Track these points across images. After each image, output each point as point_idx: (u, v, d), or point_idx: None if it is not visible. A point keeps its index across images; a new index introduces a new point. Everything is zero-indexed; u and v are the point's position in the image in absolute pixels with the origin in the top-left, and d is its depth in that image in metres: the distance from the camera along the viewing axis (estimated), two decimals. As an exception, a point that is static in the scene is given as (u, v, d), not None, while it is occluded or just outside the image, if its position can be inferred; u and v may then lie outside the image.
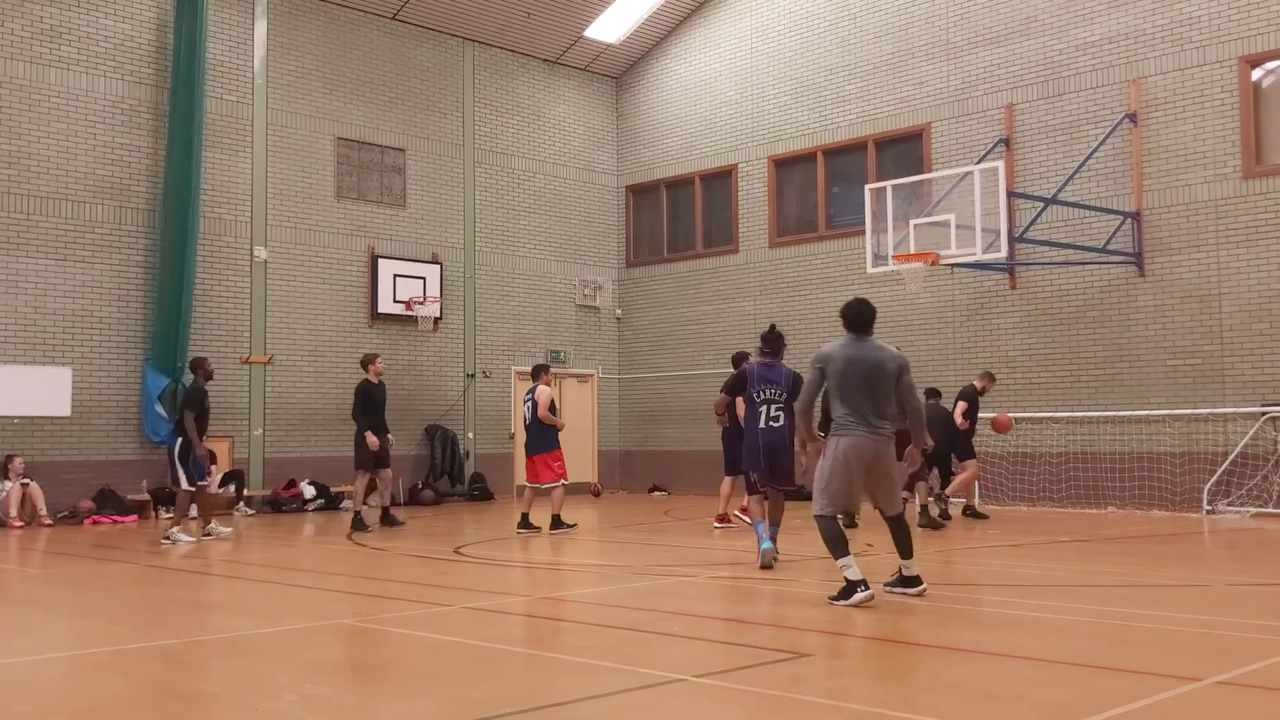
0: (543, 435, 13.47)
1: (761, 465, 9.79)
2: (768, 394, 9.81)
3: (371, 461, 14.17)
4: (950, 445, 14.34)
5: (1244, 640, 6.36)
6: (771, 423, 9.75)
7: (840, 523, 7.97)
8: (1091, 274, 16.70)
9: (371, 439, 13.96)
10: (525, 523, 13.48)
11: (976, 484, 15.69)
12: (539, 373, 13.91)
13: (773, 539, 9.80)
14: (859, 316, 7.84)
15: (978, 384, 14.85)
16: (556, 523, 13.49)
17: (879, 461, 7.63)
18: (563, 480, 13.50)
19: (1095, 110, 16.81)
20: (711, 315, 21.40)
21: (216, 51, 17.95)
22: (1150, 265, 16.20)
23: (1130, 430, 16.21)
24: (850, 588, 7.40)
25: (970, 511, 14.98)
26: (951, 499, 14.71)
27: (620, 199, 23.15)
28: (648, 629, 7.07)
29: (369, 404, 14.17)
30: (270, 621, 7.50)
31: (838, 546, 7.53)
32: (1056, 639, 6.69)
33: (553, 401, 13.63)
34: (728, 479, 13.48)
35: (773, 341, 10.07)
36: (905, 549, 7.81)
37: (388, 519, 14.39)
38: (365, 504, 14.89)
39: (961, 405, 14.36)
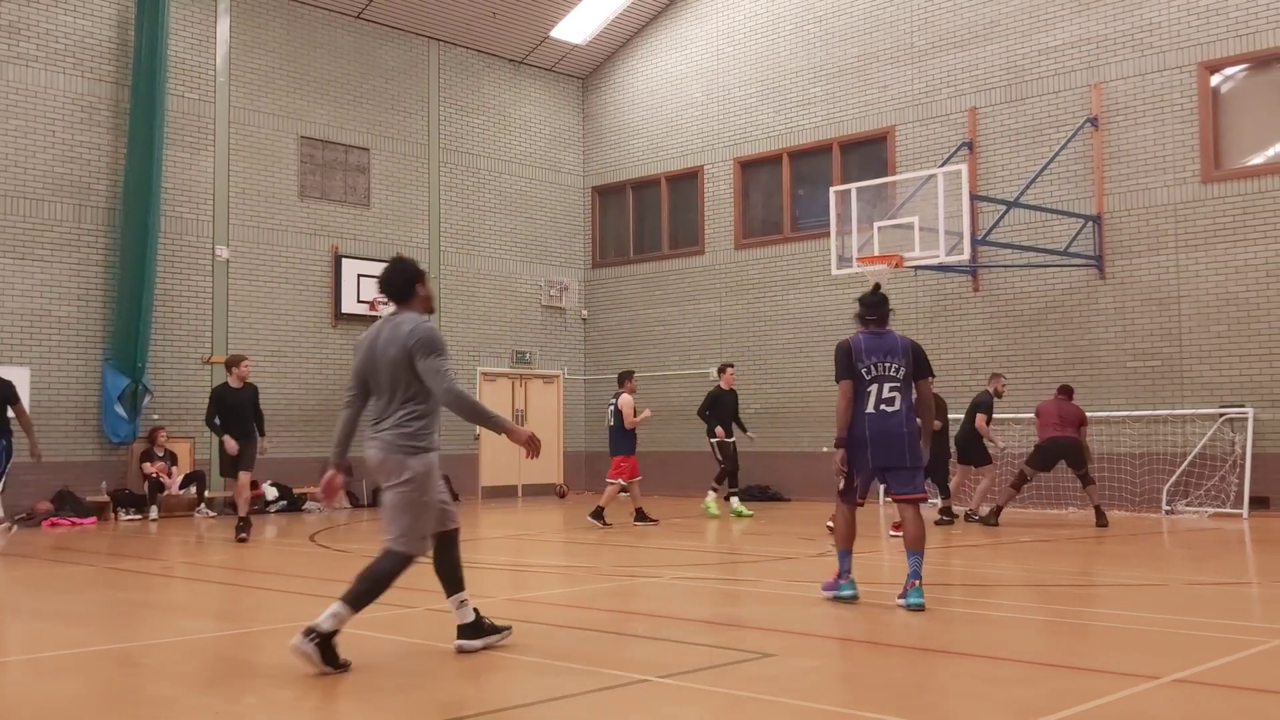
0: (621, 439, 14.59)
1: (869, 464, 7.49)
2: (881, 369, 7.55)
3: (230, 467, 13.22)
4: (964, 451, 14.52)
5: (1202, 639, 6.43)
6: (884, 405, 7.50)
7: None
8: (1053, 276, 16.86)
9: (230, 443, 12.95)
10: (641, 515, 14.48)
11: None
12: (623, 379, 14.88)
13: (917, 576, 7.32)
14: (387, 282, 6.17)
15: (990, 387, 14.81)
16: (598, 514, 14.30)
17: (380, 476, 5.98)
18: (620, 481, 14.46)
19: (1057, 114, 16.97)
20: (677, 316, 21.42)
21: (178, 49, 17.78)
22: (1111, 268, 16.37)
23: (1091, 431, 16.33)
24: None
25: (971, 516, 14.51)
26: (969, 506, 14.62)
27: (586, 200, 23.13)
28: (612, 630, 7.07)
29: (220, 409, 13.24)
30: (232, 624, 7.43)
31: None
32: (1018, 638, 6.74)
33: (634, 408, 14.64)
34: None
35: (877, 305, 7.81)
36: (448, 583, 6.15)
37: (241, 527, 13.09)
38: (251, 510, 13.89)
39: (981, 418, 14.34)
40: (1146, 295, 16.06)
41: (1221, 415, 15.24)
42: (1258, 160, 15.57)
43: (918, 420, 7.64)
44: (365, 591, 5.72)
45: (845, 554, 7.66)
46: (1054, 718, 4.61)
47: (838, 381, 7.64)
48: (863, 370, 7.54)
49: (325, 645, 5.52)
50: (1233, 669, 5.56)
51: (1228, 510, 14.81)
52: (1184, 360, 15.73)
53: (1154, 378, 15.95)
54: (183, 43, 17.88)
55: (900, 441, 7.44)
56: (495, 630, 6.17)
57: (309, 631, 5.51)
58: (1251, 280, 15.27)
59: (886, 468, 7.49)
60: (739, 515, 15.54)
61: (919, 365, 7.63)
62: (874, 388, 7.50)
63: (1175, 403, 15.75)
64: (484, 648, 6.05)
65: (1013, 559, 10.78)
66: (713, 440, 15.77)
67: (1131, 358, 16.15)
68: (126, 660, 6.23)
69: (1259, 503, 14.81)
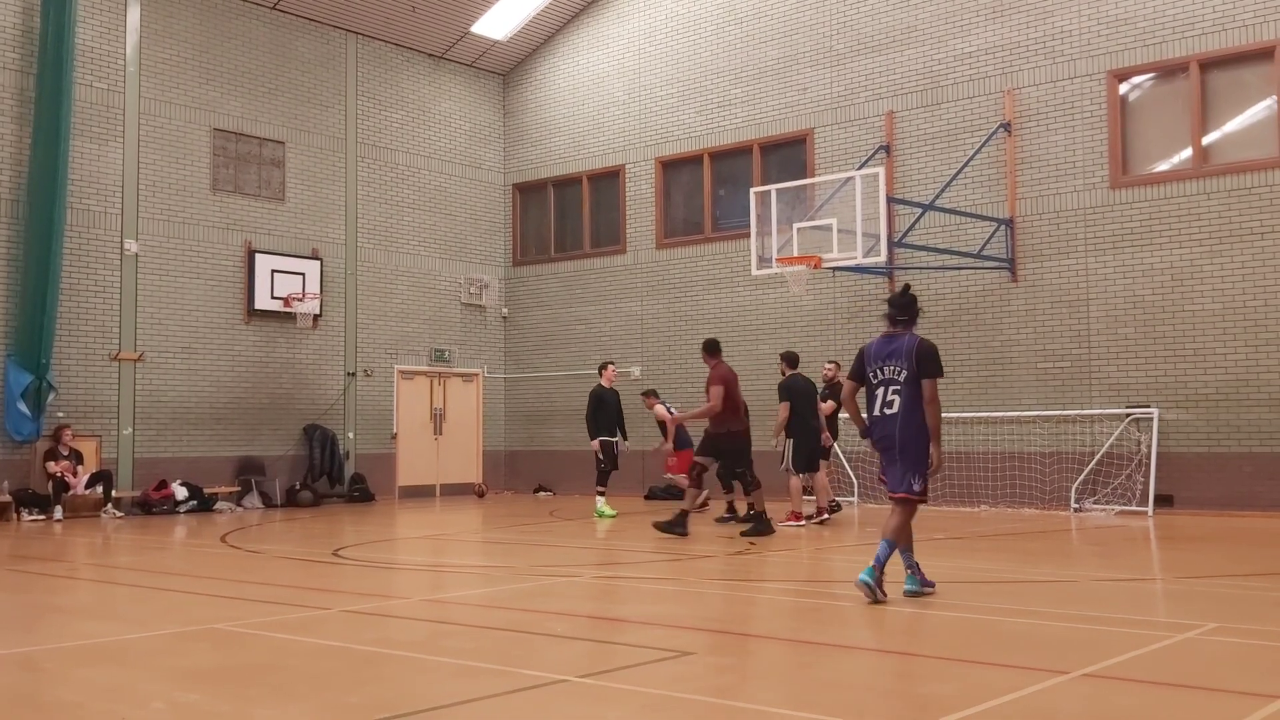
0: None
1: (881, 461, 8.14)
2: (885, 372, 7.79)
3: None
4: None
5: (1108, 634, 6.58)
6: (885, 409, 7.79)
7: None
8: (966, 279, 17.16)
9: None
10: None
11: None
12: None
13: (911, 568, 8.09)
14: None
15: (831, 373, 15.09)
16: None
17: None
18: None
19: (971, 119, 17.28)
20: (598, 315, 21.40)
21: (86, 37, 17.30)
22: (1022, 271, 16.70)
23: (1002, 431, 16.69)
24: None
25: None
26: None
27: (507, 197, 23.00)
28: (531, 630, 7.03)
29: None
30: (139, 627, 7.25)
31: None
32: (931, 634, 6.84)
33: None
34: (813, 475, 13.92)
35: (906, 306, 7.89)
36: None
37: None
38: None
39: (831, 405, 14.54)
40: (1056, 298, 16.42)
41: (1128, 415, 15.64)
42: (1163, 167, 16.00)
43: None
44: None
45: (904, 551, 8.07)
46: (965, 713, 4.67)
47: (846, 379, 8.28)
48: (870, 375, 7.88)
49: None
50: (1138, 663, 5.70)
51: (1134, 508, 15.19)
52: (1092, 361, 16.12)
53: (1063, 378, 16.31)
54: (91, 31, 17.41)
55: (893, 443, 7.80)
56: None
57: None
58: (1157, 284, 15.69)
59: (885, 466, 8.04)
60: (600, 516, 15.37)
61: (921, 366, 7.66)
62: (880, 391, 7.82)
63: (1084, 403, 16.12)
64: None
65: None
66: (598, 442, 15.58)
67: (1042, 359, 16.49)
68: (29, 665, 6.04)
69: (1163, 500, 15.23)
